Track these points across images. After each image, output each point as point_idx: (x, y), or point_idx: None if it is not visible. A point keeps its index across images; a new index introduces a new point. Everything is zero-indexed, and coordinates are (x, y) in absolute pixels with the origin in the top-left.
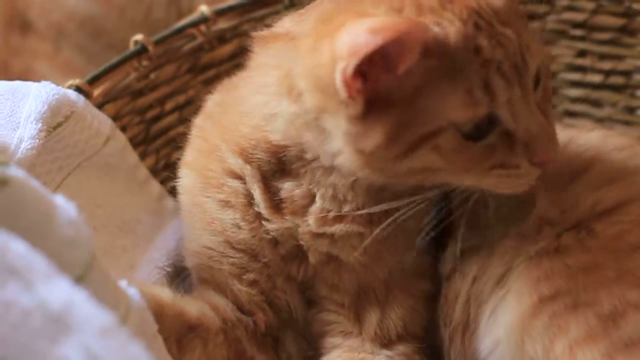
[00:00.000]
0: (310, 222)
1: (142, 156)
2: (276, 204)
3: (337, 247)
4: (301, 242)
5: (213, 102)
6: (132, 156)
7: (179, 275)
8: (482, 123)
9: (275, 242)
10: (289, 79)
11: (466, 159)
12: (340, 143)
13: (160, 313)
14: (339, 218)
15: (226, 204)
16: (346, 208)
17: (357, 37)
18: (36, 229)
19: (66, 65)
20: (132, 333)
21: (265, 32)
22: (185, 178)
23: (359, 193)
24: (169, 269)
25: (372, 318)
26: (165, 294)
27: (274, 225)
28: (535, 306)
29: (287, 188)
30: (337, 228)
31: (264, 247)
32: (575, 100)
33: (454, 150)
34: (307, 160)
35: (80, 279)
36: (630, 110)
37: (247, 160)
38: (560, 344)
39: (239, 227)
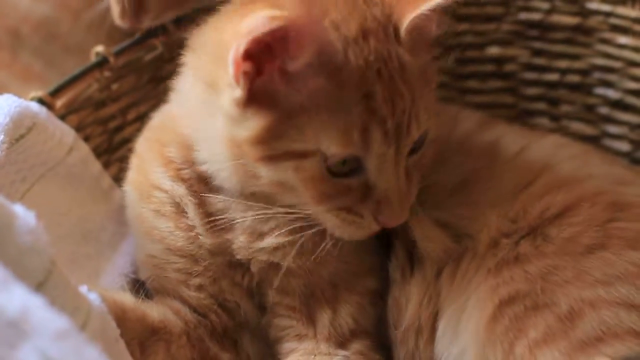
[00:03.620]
0: (242, 239)
1: (106, 165)
2: (209, 220)
3: (276, 256)
4: (238, 257)
5: (156, 114)
6: (96, 165)
7: (140, 281)
8: (349, 164)
9: (213, 252)
10: (197, 54)
11: (321, 190)
12: (219, 125)
13: (122, 317)
14: (264, 233)
15: (157, 212)
16: (266, 228)
17: (257, 20)
18: None
19: (24, 71)
20: (92, 337)
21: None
22: (127, 192)
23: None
24: (133, 276)
25: (323, 318)
26: (128, 298)
27: (208, 240)
28: (496, 309)
29: (212, 202)
30: (268, 242)
31: (203, 254)
32: (533, 99)
33: (313, 178)
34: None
35: (40, 286)
36: (588, 107)
37: (166, 164)
38: (520, 346)
39: (175, 235)
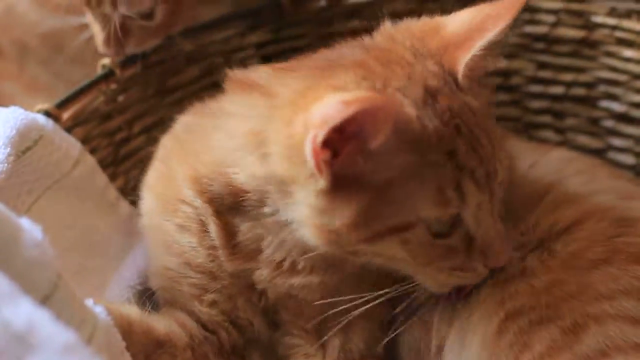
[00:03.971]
0: (264, 273)
1: (112, 178)
2: (233, 245)
3: (295, 290)
4: (257, 286)
5: (182, 124)
6: (102, 178)
7: (146, 293)
8: (449, 222)
9: (233, 275)
10: (259, 137)
11: (430, 255)
12: (305, 213)
13: (128, 330)
14: (294, 270)
15: (183, 228)
16: (299, 266)
17: (329, 107)
18: (1, 251)
19: (31, 82)
20: (98, 351)
21: (241, 76)
22: (146, 200)
23: (311, 257)
24: (139, 288)
25: (335, 342)
26: (134, 311)
27: (229, 267)
28: (502, 323)
29: (244, 230)
30: (295, 281)
31: (222, 272)
32: (538, 112)
33: (420, 246)
34: (264, 212)
35: (46, 299)
36: (593, 121)
37: (200, 191)
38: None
39: (197, 251)
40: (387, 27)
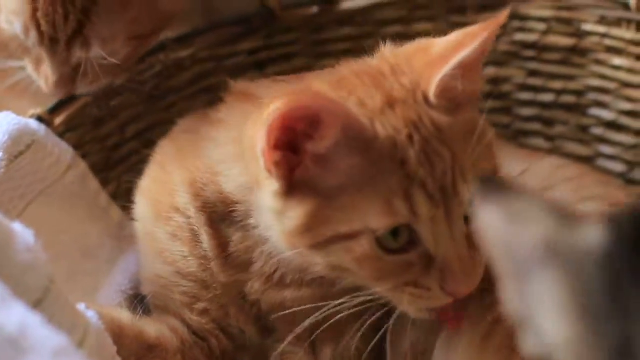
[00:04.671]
0: (256, 285)
1: (104, 183)
2: (225, 256)
3: (288, 302)
4: (250, 297)
5: (181, 127)
6: (94, 183)
7: (137, 297)
8: (402, 237)
9: (225, 285)
10: (238, 141)
11: (377, 268)
12: (268, 217)
13: (119, 334)
14: (284, 284)
15: (174, 236)
16: (288, 279)
17: (273, 106)
18: None
19: (15, 84)
20: (89, 355)
21: (241, 87)
22: (139, 206)
23: (297, 270)
24: (131, 292)
25: (327, 350)
26: (125, 315)
27: (221, 278)
28: (490, 327)
29: (235, 241)
30: (287, 295)
31: (215, 282)
32: (527, 119)
33: (365, 257)
34: (251, 224)
35: (38, 303)
36: (583, 128)
37: (195, 195)
38: None
39: (188, 260)
40: (386, 48)
